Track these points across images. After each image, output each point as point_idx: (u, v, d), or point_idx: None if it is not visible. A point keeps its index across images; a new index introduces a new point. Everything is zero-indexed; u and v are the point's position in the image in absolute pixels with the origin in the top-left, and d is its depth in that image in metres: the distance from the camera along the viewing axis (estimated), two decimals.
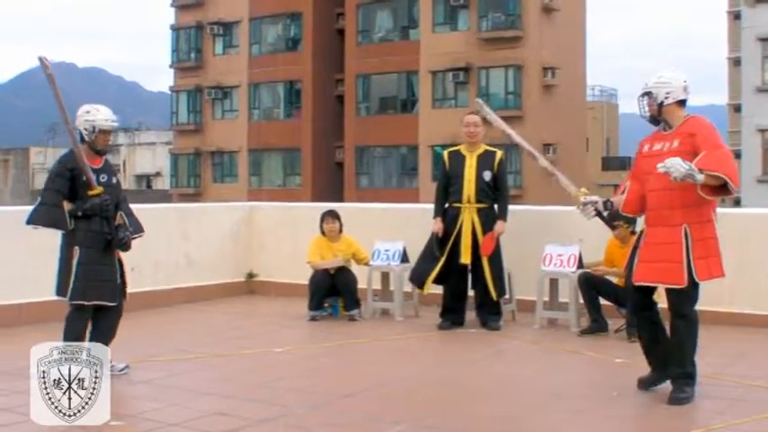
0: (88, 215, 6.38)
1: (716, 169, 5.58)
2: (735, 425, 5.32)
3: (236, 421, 5.47)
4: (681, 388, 5.84)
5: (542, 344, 8.01)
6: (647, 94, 5.97)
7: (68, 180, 6.37)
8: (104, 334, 6.42)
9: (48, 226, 6.39)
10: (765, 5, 36.76)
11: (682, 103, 5.98)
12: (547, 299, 8.86)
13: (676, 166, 5.53)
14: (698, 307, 8.61)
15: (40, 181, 74.33)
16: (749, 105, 37.46)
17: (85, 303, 6.38)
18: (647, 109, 6.01)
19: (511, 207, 8.86)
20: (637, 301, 6.12)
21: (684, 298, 5.89)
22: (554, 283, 8.86)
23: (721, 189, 5.68)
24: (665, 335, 6.11)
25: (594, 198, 6.37)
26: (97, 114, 6.49)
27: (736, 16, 45.71)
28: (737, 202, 39.20)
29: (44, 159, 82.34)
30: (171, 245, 10.47)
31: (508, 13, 41.94)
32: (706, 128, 5.87)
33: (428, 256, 8.80)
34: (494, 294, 8.65)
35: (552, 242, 8.79)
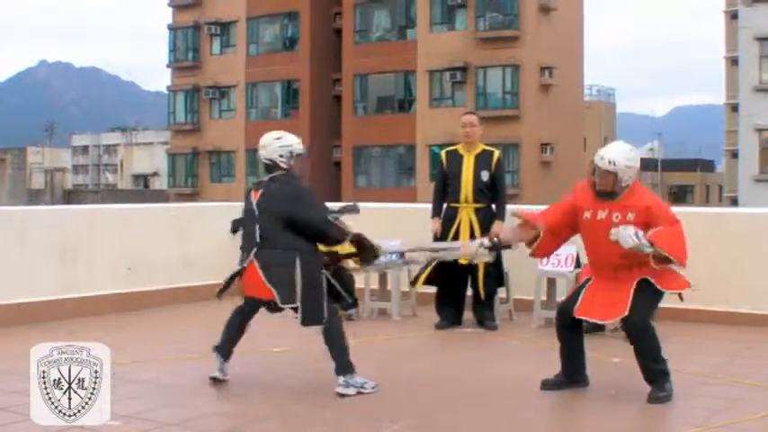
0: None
1: (668, 251, 5.65)
2: (732, 424, 5.33)
3: (234, 421, 5.48)
4: (661, 387, 5.86)
5: (540, 343, 8.01)
6: (612, 173, 5.81)
7: None
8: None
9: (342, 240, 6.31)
10: (763, 5, 36.83)
11: None
12: (544, 298, 8.87)
13: (626, 238, 5.63)
14: (694, 306, 8.69)
15: (37, 181, 74.30)
16: (746, 105, 37.54)
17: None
18: (603, 183, 5.86)
19: (508, 207, 8.86)
20: (568, 317, 6.12)
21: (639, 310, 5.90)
22: (551, 282, 8.86)
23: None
24: (583, 347, 6.21)
25: (480, 241, 6.63)
26: (290, 139, 6.32)
27: (733, 16, 45.78)
28: (734, 202, 39.18)
29: (41, 159, 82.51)
30: (168, 245, 10.47)
31: (506, 13, 42.01)
32: (658, 201, 5.96)
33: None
34: (482, 294, 8.66)
35: None
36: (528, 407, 5.92)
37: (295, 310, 6.16)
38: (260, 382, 6.47)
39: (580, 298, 6.02)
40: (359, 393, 6.05)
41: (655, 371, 5.88)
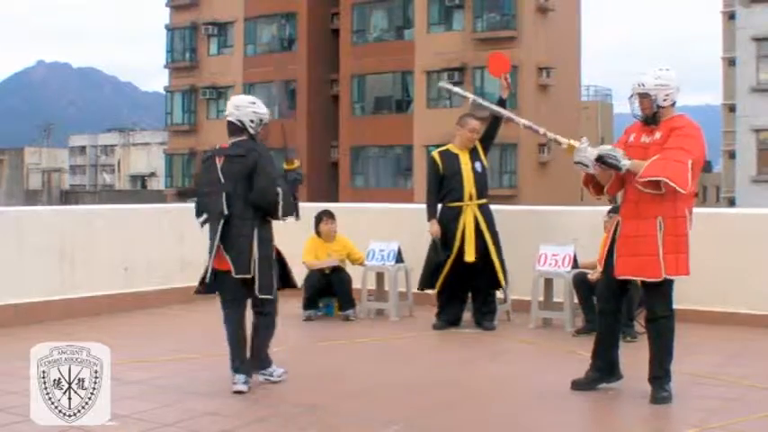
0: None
1: (650, 174, 5.67)
2: (730, 424, 5.33)
3: (230, 421, 5.47)
4: (662, 387, 5.85)
5: (537, 344, 8.02)
6: (645, 95, 5.88)
7: None
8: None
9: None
10: (760, 5, 36.88)
11: (674, 103, 5.98)
12: (541, 299, 8.87)
13: (578, 152, 6.02)
14: (693, 306, 8.70)
15: (34, 181, 74.27)
16: (744, 105, 37.58)
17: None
18: (640, 109, 5.93)
19: (506, 207, 8.89)
20: (609, 293, 6.12)
21: (658, 296, 5.89)
22: (549, 283, 8.86)
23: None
24: (618, 340, 6.19)
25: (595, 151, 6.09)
26: (262, 107, 6.38)
27: (730, 16, 45.84)
28: (732, 203, 39.22)
29: (38, 159, 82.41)
30: (166, 245, 10.46)
31: (503, 13, 42.02)
32: (687, 128, 5.85)
33: (432, 262, 8.74)
34: (502, 280, 8.62)
35: (547, 242, 8.80)
36: (526, 407, 5.92)
37: (248, 282, 6.24)
38: (257, 383, 6.46)
39: (614, 254, 5.97)
40: (268, 381, 6.34)
41: (663, 368, 5.87)
